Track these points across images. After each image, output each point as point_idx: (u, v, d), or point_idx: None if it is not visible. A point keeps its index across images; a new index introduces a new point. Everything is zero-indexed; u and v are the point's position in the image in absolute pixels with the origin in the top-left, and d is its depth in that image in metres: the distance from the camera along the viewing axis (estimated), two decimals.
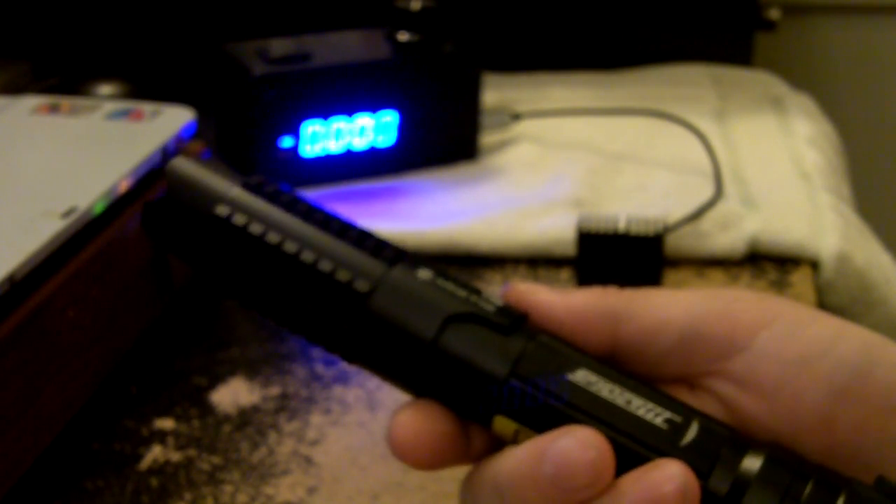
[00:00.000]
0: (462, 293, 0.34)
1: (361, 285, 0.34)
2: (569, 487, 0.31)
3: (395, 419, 0.33)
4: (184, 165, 0.37)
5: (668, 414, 0.32)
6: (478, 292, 0.34)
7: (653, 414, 0.32)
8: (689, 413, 0.33)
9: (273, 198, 0.35)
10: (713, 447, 0.32)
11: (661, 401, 0.33)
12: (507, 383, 0.33)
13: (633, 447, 0.32)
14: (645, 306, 0.35)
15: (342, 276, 0.34)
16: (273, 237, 0.34)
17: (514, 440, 0.33)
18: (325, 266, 0.34)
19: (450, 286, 0.34)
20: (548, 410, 0.32)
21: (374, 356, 0.34)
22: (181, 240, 0.36)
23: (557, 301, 0.35)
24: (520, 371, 0.33)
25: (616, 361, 0.35)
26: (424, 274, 0.34)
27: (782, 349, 0.33)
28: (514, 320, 0.34)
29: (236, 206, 0.35)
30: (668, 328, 0.34)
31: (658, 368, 0.35)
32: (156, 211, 0.36)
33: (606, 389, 0.33)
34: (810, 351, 0.33)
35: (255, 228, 0.35)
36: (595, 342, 0.35)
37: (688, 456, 0.32)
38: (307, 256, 0.34)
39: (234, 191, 0.35)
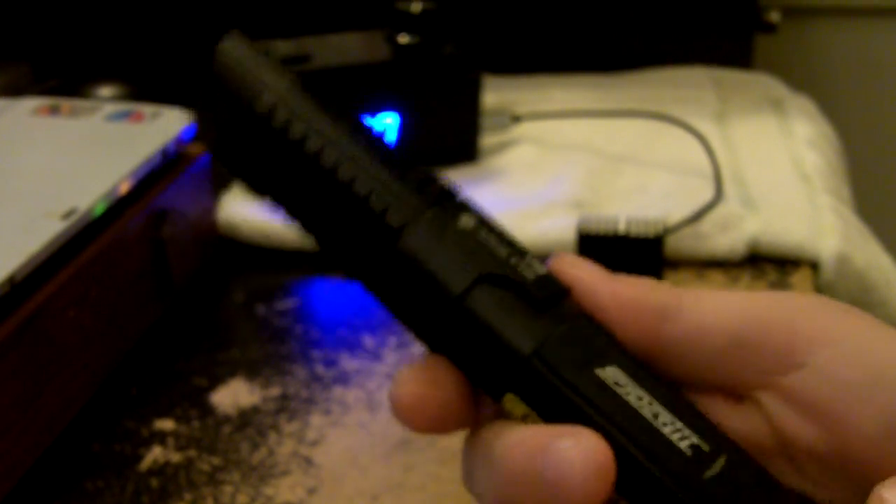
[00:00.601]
0: (503, 252, 0.31)
1: (394, 218, 0.31)
2: (559, 497, 0.28)
3: (399, 377, 0.31)
4: (236, 48, 0.33)
5: (695, 439, 0.29)
6: (522, 254, 0.31)
7: (679, 435, 0.29)
8: (719, 443, 0.29)
9: (323, 101, 0.32)
10: (735, 490, 0.28)
11: (693, 422, 0.29)
12: (528, 363, 0.29)
13: (647, 467, 0.28)
14: (696, 306, 0.32)
15: (376, 203, 0.31)
16: (312, 144, 0.31)
17: (525, 422, 0.30)
18: (361, 188, 0.31)
19: (492, 241, 0.31)
20: (564, 403, 0.29)
21: (393, 297, 0.31)
22: (219, 125, 0.33)
23: (603, 284, 0.32)
24: (544, 353, 0.29)
25: (655, 361, 0.32)
26: (467, 221, 0.31)
27: (843, 371, 0.30)
28: (553, 294, 0.31)
29: (281, 102, 0.32)
30: (718, 332, 0.31)
31: (701, 374, 0.32)
32: (206, 93, 0.33)
33: (635, 395, 0.29)
34: (872, 377, 0.30)
35: (296, 130, 0.31)
36: (636, 336, 0.32)
37: (705, 493, 0.28)
38: (344, 174, 0.31)
39: (282, 85, 0.32)
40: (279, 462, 0.52)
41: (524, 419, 0.30)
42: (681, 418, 0.29)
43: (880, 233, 0.75)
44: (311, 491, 0.50)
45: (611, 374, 0.29)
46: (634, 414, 0.29)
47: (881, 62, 1.14)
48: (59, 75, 0.86)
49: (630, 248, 0.64)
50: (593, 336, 0.30)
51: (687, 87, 0.92)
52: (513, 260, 0.31)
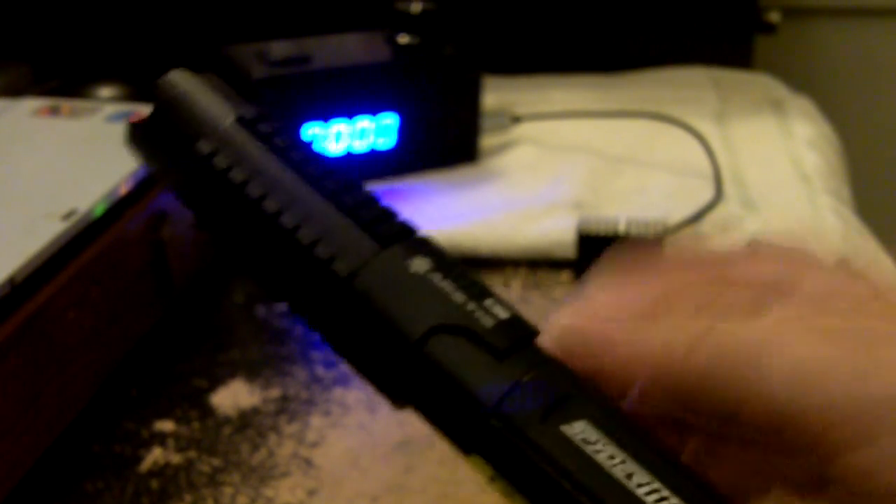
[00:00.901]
0: (459, 298, 0.28)
1: (341, 267, 0.29)
2: None
3: None
4: (178, 83, 0.32)
5: (674, 500, 0.25)
6: (481, 296, 0.28)
7: (656, 497, 0.25)
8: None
9: (267, 139, 0.30)
10: None
11: (674, 481, 0.26)
12: (486, 422, 0.27)
13: None
14: (724, 397, 0.27)
15: (322, 252, 0.29)
16: (254, 189, 0.30)
17: (493, 483, 0.28)
18: (306, 236, 0.29)
19: (446, 286, 0.28)
20: (527, 465, 0.26)
21: (349, 346, 0.29)
22: (163, 165, 0.32)
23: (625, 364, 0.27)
24: (503, 409, 0.26)
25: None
26: (419, 265, 0.29)
27: (883, 473, 0.26)
28: (516, 341, 0.28)
29: (222, 144, 0.30)
30: (748, 426, 0.27)
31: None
32: (139, 130, 0.32)
33: (606, 454, 0.26)
34: None
35: (237, 175, 0.30)
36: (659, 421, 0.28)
37: None
38: (288, 220, 0.29)
39: (225, 125, 0.31)
40: (279, 463, 0.52)
41: (492, 481, 0.27)
42: (660, 478, 0.26)
43: (880, 233, 0.75)
44: (312, 492, 0.50)
45: (578, 429, 0.26)
46: (604, 474, 0.26)
47: (881, 62, 1.14)
48: (59, 76, 0.86)
49: None
50: (561, 386, 0.27)
51: (687, 87, 0.92)
52: (469, 306, 0.28)
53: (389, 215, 0.30)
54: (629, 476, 0.25)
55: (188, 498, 0.50)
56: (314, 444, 0.53)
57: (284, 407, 0.56)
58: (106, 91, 0.83)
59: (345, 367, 0.58)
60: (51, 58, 0.94)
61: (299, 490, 0.51)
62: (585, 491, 0.25)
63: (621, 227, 0.64)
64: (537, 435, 0.26)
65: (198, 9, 0.97)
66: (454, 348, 0.27)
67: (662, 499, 0.25)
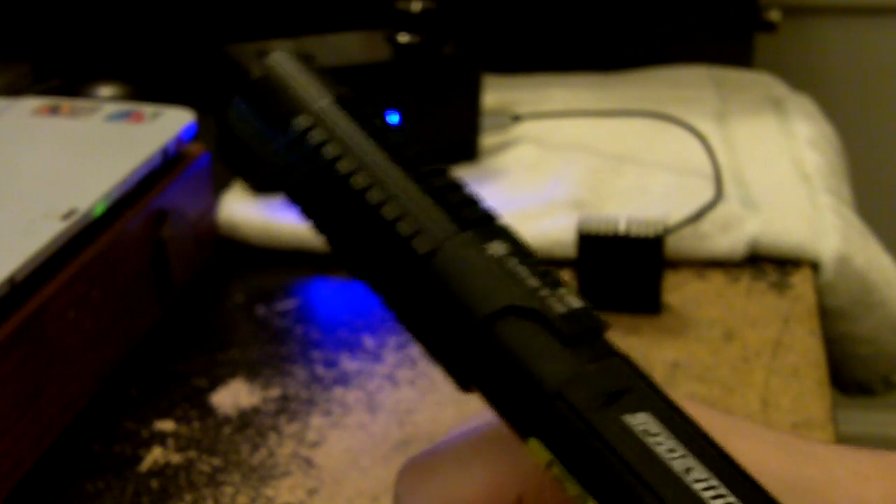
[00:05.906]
0: (533, 283, 0.29)
1: (421, 245, 0.29)
2: None
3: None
4: (282, 63, 0.33)
5: (732, 499, 0.25)
6: (555, 285, 0.29)
7: (713, 493, 0.25)
8: None
9: (363, 120, 0.32)
10: None
11: (734, 481, 0.25)
12: (549, 403, 0.27)
13: None
14: None
15: (403, 229, 0.30)
16: (345, 166, 0.31)
17: (549, 469, 0.28)
18: (390, 213, 0.30)
19: (521, 270, 0.29)
20: (585, 450, 0.26)
21: (419, 322, 0.30)
22: (255, 137, 0.33)
23: None
24: (567, 393, 0.27)
25: None
26: (496, 248, 0.29)
27: None
28: (585, 331, 0.28)
29: (319, 121, 0.32)
30: None
31: None
32: (240, 103, 0.33)
33: (667, 447, 0.26)
34: None
35: (330, 151, 0.31)
36: None
37: None
38: (374, 196, 0.30)
39: (323, 102, 0.32)
40: (279, 463, 0.52)
41: (549, 467, 0.27)
42: (719, 476, 0.25)
43: (880, 233, 0.75)
44: (312, 492, 0.50)
45: (641, 420, 0.26)
46: (663, 467, 0.25)
47: (881, 61, 1.14)
48: (59, 75, 0.86)
49: (630, 248, 0.64)
50: (626, 379, 0.27)
51: (687, 86, 0.92)
52: (542, 292, 0.28)
53: (473, 201, 0.31)
54: (688, 471, 0.25)
55: (188, 498, 0.50)
56: (314, 444, 0.53)
57: (284, 407, 0.56)
58: (106, 90, 0.83)
59: (345, 367, 0.59)
60: (51, 57, 0.94)
61: (299, 490, 0.51)
62: (643, 481, 0.25)
63: (621, 227, 0.64)
64: (599, 422, 0.26)
65: (198, 9, 0.97)
66: (523, 330, 0.28)
67: (719, 496, 0.25)
